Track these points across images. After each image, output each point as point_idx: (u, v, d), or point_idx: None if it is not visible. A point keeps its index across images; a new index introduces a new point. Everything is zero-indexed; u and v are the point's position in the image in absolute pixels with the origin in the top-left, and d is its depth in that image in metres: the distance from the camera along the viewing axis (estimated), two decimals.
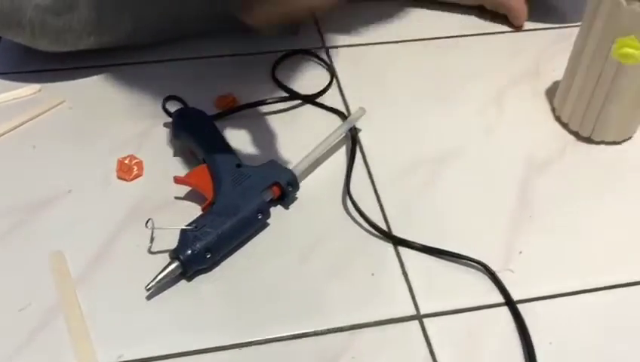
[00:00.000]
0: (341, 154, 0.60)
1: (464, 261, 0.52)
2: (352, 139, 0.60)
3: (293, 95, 0.66)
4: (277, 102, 0.64)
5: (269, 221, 0.54)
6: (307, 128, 0.62)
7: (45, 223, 0.53)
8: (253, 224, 0.52)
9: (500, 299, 0.50)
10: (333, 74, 0.68)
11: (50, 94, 0.65)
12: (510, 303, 0.49)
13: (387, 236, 0.53)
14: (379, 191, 0.57)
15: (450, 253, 0.52)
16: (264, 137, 0.61)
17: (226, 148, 0.56)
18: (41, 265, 0.50)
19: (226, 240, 0.50)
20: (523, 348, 0.47)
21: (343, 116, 0.64)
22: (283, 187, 0.54)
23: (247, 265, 0.51)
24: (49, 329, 0.46)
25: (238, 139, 0.60)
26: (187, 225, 0.50)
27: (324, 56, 0.71)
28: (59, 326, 0.47)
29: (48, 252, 0.51)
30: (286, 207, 0.55)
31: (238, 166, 0.54)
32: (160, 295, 0.49)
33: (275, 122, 0.63)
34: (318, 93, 0.66)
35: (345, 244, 0.53)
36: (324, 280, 0.50)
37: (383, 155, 0.60)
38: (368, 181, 0.58)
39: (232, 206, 0.51)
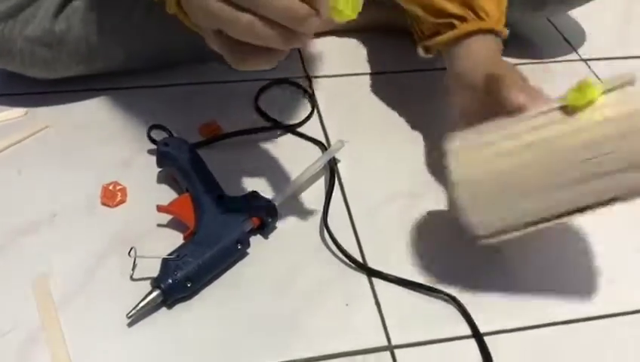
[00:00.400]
0: (320, 185, 0.62)
1: (435, 293, 0.54)
2: (331, 171, 0.62)
3: (275, 124, 0.68)
4: (259, 131, 0.66)
5: (248, 250, 0.55)
6: (288, 157, 0.64)
7: (29, 247, 0.54)
8: (233, 254, 0.54)
9: (469, 331, 0.52)
10: (314, 104, 0.71)
11: (35, 118, 0.66)
12: (477, 335, 0.51)
13: (361, 267, 0.55)
14: (355, 223, 0.59)
15: (423, 285, 0.54)
16: (246, 166, 0.63)
17: (209, 179, 0.58)
18: (25, 289, 0.51)
19: (207, 269, 0.52)
20: None
21: (322, 147, 0.66)
22: (263, 218, 0.56)
23: (226, 294, 0.53)
24: (31, 355, 0.48)
25: (221, 167, 0.61)
26: (169, 255, 0.52)
27: (306, 86, 0.73)
28: (40, 351, 0.48)
29: (32, 276, 0.52)
30: (265, 236, 0.57)
31: (220, 197, 0.56)
32: (141, 322, 0.50)
33: (257, 150, 0.65)
34: (299, 123, 0.68)
35: (321, 274, 0.55)
36: (300, 309, 0.52)
37: (360, 187, 0.62)
38: (345, 212, 0.60)
39: (214, 235, 0.53)
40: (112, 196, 0.59)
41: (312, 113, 0.70)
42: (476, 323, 0.52)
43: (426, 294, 0.54)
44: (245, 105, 0.70)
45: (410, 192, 0.62)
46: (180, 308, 0.51)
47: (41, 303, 0.51)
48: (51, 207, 0.58)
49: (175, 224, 0.57)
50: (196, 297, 0.52)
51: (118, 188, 0.59)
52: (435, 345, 0.51)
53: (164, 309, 0.51)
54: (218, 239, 0.53)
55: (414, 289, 0.54)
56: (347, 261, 0.56)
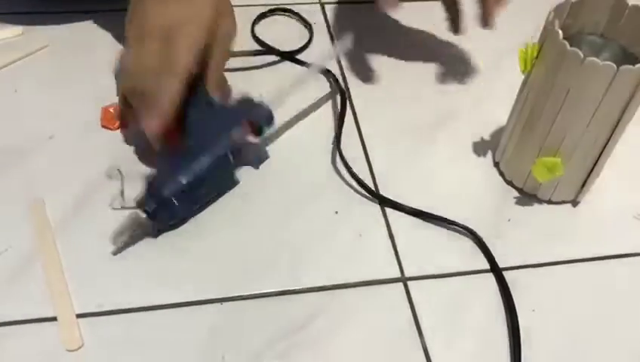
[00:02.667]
0: (329, 114, 0.59)
1: (452, 226, 0.51)
2: (342, 97, 0.59)
3: (274, 51, 0.64)
4: (258, 54, 0.63)
5: (254, 181, 0.52)
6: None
7: (26, 169, 0.52)
8: (224, 165, 0.50)
9: (486, 265, 0.49)
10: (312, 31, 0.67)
11: (32, 38, 0.62)
12: (495, 270, 0.49)
13: (375, 196, 0.52)
14: (369, 153, 0.56)
15: (439, 217, 0.51)
16: (241, 87, 0.59)
17: (197, 89, 0.51)
18: (21, 211, 0.49)
19: (196, 184, 0.47)
20: (506, 314, 0.46)
21: (330, 76, 0.62)
22: (256, 121, 0.51)
23: (226, 224, 0.50)
24: (26, 277, 0.45)
25: None
26: (155, 172, 0.48)
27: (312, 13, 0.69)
28: (36, 274, 0.45)
29: (28, 198, 0.50)
30: (274, 167, 0.54)
31: (209, 104, 0.50)
32: (139, 248, 0.48)
33: (255, 75, 0.62)
34: (299, 49, 0.64)
35: (332, 204, 0.52)
36: (310, 238, 0.50)
37: (373, 117, 0.59)
38: (358, 141, 0.57)
39: (202, 146, 0.48)
40: (112, 119, 0.56)
41: (310, 40, 0.66)
42: (495, 257, 0.49)
43: (442, 226, 0.51)
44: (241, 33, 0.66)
45: (429, 123, 0.59)
46: (180, 235, 0.49)
47: (38, 226, 0.48)
48: (48, 128, 0.55)
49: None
50: (197, 225, 0.49)
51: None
52: (450, 278, 0.48)
53: (163, 237, 0.48)
54: (207, 149, 0.48)
55: (430, 221, 0.51)
56: (361, 190, 0.53)
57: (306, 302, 0.46)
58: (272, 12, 0.69)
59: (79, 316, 0.44)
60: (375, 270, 0.48)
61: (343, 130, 0.56)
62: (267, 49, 0.64)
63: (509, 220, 0.52)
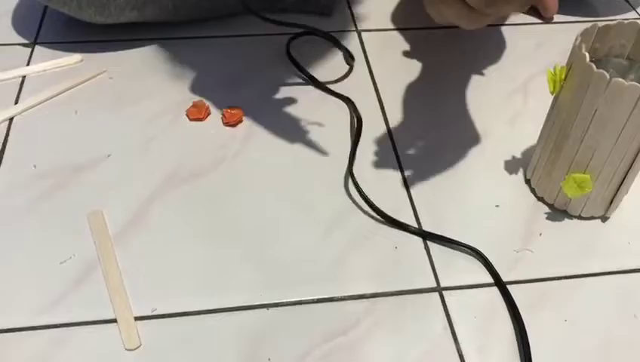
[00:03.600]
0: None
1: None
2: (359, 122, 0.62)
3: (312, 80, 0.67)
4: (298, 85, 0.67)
5: (301, 191, 0.56)
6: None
7: (86, 184, 0.56)
8: None
9: (518, 277, 0.51)
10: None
11: (91, 64, 0.67)
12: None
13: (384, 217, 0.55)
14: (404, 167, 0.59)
15: (456, 241, 0.53)
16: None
17: None
18: (82, 222, 0.53)
19: None
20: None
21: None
22: None
23: (275, 233, 0.53)
24: (88, 282, 0.49)
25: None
26: None
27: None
28: (97, 279, 0.49)
29: (88, 210, 0.54)
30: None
31: None
32: (191, 257, 0.51)
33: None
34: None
35: (367, 220, 0.55)
36: (348, 248, 0.53)
37: (410, 137, 0.62)
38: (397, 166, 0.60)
39: None
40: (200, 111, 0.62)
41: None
42: (525, 270, 0.51)
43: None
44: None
45: (460, 141, 0.62)
46: (219, 244, 0.52)
47: (97, 235, 0.52)
48: (106, 147, 0.59)
49: None
50: (237, 235, 0.53)
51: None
52: (486, 288, 0.51)
53: (212, 247, 0.52)
54: None
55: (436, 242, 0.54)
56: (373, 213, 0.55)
57: (346, 309, 0.49)
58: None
59: (136, 319, 0.47)
60: (411, 280, 0.51)
61: (377, 146, 0.60)
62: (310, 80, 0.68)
63: (540, 234, 0.54)
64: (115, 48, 0.69)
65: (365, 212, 0.55)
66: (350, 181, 0.57)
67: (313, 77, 0.67)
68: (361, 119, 0.62)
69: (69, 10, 0.65)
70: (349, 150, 0.60)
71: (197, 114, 0.62)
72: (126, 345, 0.46)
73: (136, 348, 0.46)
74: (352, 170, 0.57)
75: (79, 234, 0.52)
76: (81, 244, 0.51)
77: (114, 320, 0.47)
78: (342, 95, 0.65)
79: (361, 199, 0.55)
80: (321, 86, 0.67)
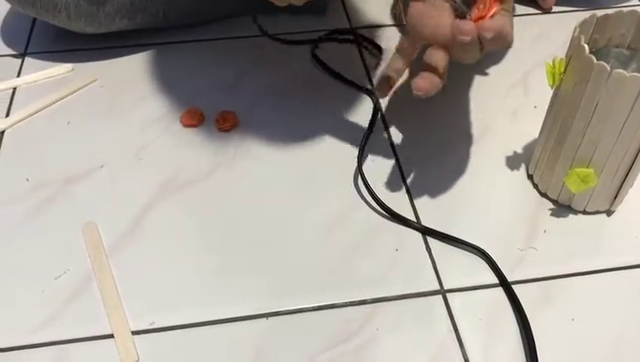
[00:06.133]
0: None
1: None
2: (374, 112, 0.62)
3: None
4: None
5: (294, 197, 0.55)
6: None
7: (79, 196, 0.55)
8: None
9: (523, 276, 0.50)
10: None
11: (82, 73, 0.66)
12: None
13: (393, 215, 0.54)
14: (403, 169, 0.58)
15: (459, 239, 0.52)
16: None
17: None
18: (76, 235, 0.52)
19: None
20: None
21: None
22: None
23: (272, 241, 0.52)
24: (83, 297, 0.48)
25: None
26: None
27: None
28: (93, 294, 0.48)
29: (82, 223, 0.53)
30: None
31: None
32: (188, 268, 0.50)
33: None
34: None
35: (366, 223, 0.54)
36: (349, 253, 0.51)
37: (408, 137, 0.61)
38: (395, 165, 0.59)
39: None
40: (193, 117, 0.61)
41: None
42: (531, 268, 0.50)
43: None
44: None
45: (462, 138, 0.61)
46: (218, 254, 0.51)
47: (91, 248, 0.51)
48: (99, 157, 0.58)
49: None
50: (236, 243, 0.52)
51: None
52: (489, 290, 0.49)
53: (212, 254, 0.51)
54: None
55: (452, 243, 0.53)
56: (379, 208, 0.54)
57: (348, 315, 0.48)
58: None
59: (133, 333, 0.46)
60: (414, 283, 0.50)
61: (375, 146, 0.59)
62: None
63: (544, 231, 0.53)
64: (105, 56, 0.68)
65: (365, 217, 0.54)
66: (350, 182, 0.56)
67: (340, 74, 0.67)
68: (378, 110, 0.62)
69: (59, 22, 0.64)
70: (349, 150, 0.59)
71: (190, 120, 0.61)
72: (124, 360, 0.45)
73: None
74: (361, 169, 0.56)
75: (73, 247, 0.51)
76: (76, 258, 0.50)
77: (111, 336, 0.46)
78: (362, 87, 0.65)
79: (361, 201, 0.54)
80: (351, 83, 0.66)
